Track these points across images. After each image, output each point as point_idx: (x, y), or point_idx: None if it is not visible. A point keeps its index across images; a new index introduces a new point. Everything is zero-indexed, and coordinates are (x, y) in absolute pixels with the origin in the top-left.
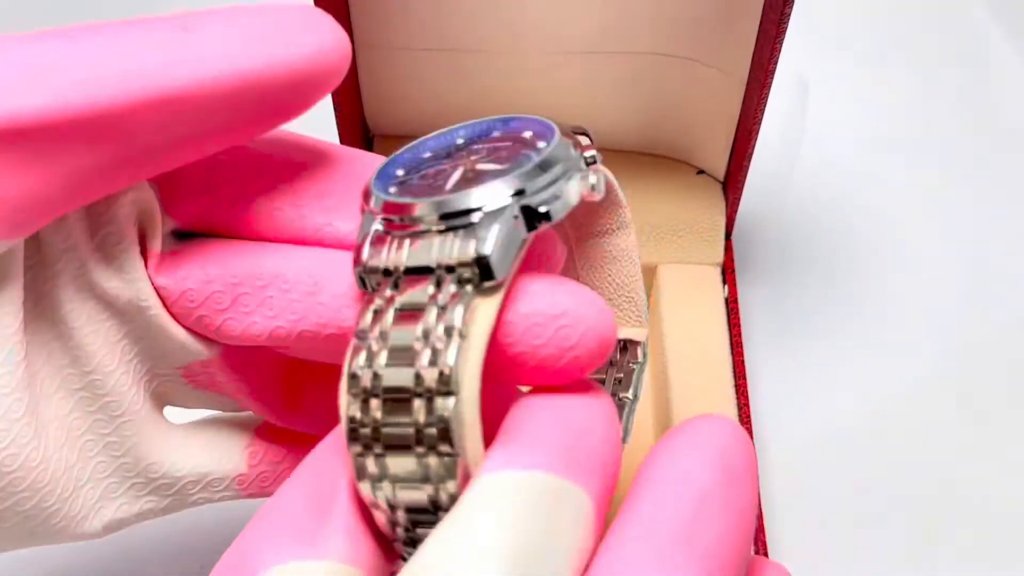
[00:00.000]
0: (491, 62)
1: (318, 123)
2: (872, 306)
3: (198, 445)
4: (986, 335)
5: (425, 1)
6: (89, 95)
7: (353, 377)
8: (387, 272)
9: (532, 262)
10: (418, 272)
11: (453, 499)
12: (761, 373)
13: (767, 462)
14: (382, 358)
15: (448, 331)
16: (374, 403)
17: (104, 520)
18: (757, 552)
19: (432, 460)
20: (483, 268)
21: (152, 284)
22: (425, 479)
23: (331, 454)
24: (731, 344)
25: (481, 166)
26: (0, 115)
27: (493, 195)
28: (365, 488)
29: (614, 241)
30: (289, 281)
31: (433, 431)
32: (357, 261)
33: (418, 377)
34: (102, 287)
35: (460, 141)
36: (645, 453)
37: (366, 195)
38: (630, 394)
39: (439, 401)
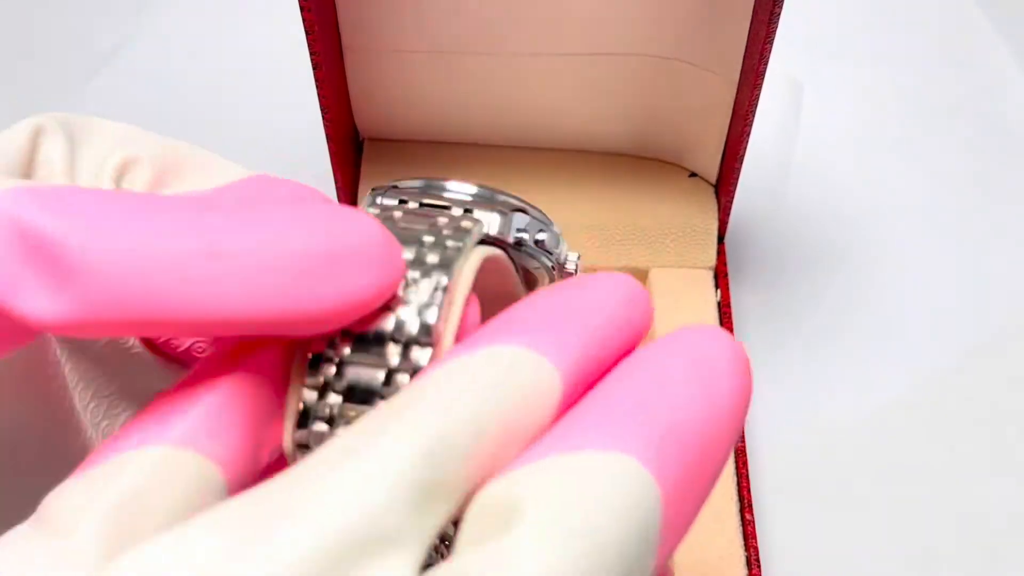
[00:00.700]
0: (481, 65)
1: (306, 128)
2: (865, 309)
3: None
4: (979, 339)
5: (413, 4)
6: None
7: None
8: None
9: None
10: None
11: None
12: (754, 377)
13: (760, 465)
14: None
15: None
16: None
17: None
18: (749, 547)
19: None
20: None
21: None
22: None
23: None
24: None
25: None
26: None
27: None
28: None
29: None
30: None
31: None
32: None
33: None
34: None
35: None
36: None
37: None
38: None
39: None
